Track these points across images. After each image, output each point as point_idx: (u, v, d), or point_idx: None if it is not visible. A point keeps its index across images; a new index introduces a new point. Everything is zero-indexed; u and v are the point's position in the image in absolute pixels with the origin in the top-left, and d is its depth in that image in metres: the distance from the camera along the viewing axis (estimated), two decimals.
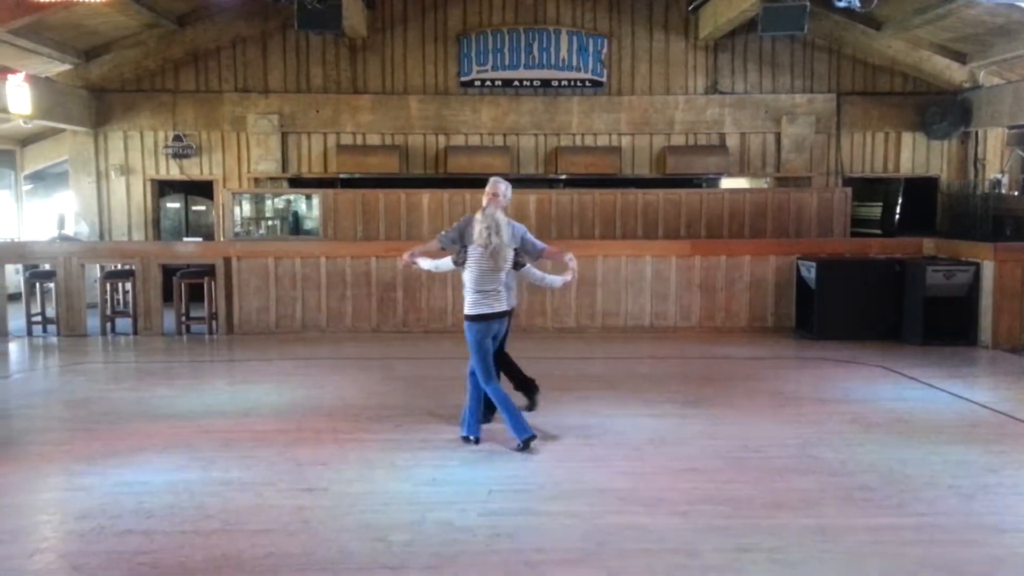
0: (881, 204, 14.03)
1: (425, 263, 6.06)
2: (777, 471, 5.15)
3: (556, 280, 5.99)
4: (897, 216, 13.55)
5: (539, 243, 6.14)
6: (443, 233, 6.12)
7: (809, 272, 9.94)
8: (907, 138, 13.90)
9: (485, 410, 5.88)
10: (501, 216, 5.62)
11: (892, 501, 4.67)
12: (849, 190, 12.71)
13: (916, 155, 13.96)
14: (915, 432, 6.00)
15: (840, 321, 9.70)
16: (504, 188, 6.07)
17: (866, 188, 13.96)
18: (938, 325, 9.37)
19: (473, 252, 5.57)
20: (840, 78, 13.83)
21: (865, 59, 13.73)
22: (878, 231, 13.62)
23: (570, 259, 5.88)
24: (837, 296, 9.72)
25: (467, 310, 5.65)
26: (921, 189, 13.84)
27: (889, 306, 9.78)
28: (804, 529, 4.26)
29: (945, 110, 13.37)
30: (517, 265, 5.76)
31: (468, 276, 5.62)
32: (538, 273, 6.02)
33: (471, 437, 5.69)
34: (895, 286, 9.77)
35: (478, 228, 5.54)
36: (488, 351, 5.65)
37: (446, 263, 5.88)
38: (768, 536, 4.17)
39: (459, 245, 5.77)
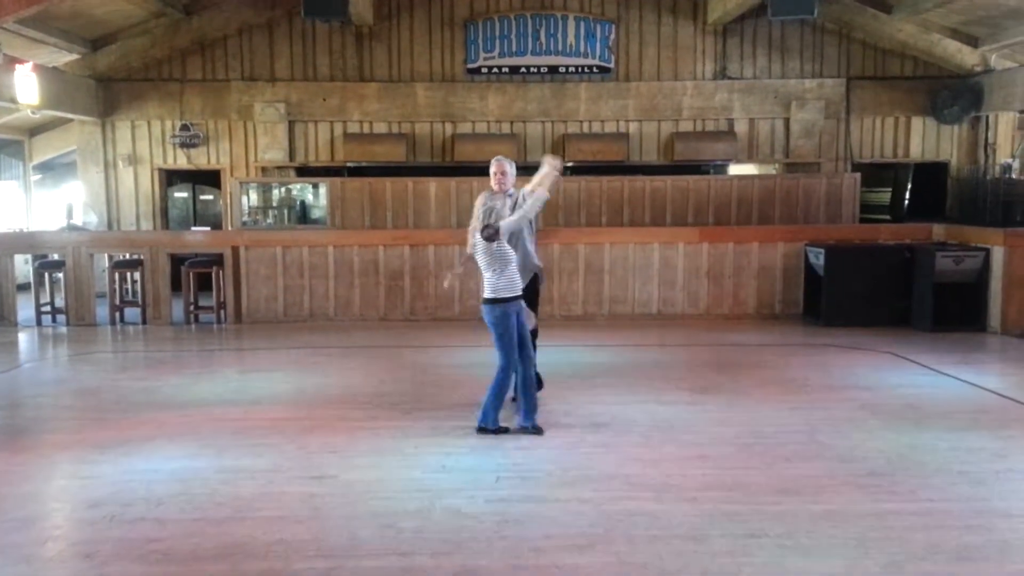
0: (890, 190, 13.97)
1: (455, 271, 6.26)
2: (786, 457, 5.15)
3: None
4: (906, 202, 13.48)
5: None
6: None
7: (817, 259, 9.90)
8: (917, 123, 13.79)
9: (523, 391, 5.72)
10: (495, 201, 5.68)
11: (901, 487, 4.66)
12: (858, 176, 12.64)
13: (926, 140, 13.85)
14: (924, 418, 5.98)
15: (848, 307, 9.67)
16: (510, 167, 6.10)
17: (875, 173, 13.88)
18: (947, 311, 9.32)
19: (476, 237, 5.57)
20: (850, 63, 13.72)
21: (875, 43, 13.61)
22: (887, 217, 13.57)
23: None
24: (846, 282, 9.68)
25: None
26: (931, 174, 13.75)
27: (898, 292, 9.74)
28: (812, 515, 4.26)
29: (956, 94, 13.25)
30: (492, 237, 5.41)
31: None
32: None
33: (529, 426, 5.61)
34: (904, 272, 9.72)
35: (478, 214, 5.54)
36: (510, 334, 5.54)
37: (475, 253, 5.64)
38: (776, 522, 4.17)
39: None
